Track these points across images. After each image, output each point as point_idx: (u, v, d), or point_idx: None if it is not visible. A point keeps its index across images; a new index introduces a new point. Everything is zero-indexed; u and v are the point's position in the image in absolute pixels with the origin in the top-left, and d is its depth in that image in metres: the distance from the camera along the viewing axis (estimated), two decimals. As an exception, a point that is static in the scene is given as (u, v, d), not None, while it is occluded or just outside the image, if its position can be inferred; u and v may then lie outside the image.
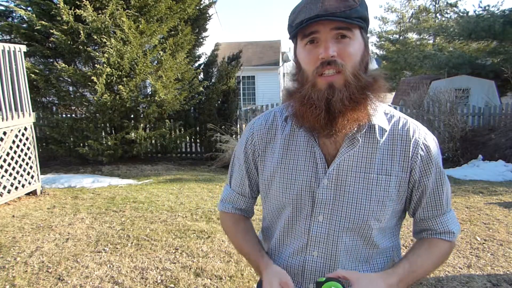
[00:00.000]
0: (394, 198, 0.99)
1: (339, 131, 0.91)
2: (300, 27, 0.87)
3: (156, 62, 7.48)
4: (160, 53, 7.39)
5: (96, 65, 6.84)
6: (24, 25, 7.21)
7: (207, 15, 9.04)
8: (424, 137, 0.99)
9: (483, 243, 3.67)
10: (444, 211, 1.03)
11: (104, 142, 7.19)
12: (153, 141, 8.02)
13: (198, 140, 8.98)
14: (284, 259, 1.08)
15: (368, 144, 0.98)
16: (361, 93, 0.90)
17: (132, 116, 7.75)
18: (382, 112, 0.99)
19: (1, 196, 4.84)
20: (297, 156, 1.02)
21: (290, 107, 0.98)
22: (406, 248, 3.54)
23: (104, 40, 6.53)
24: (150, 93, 7.68)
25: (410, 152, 0.97)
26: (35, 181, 5.45)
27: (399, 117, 1.01)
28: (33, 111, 5.45)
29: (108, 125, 7.77)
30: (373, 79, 0.94)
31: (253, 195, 1.18)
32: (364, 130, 0.96)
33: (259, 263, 1.07)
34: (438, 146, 1.02)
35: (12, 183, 5.02)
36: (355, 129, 0.94)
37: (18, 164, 5.12)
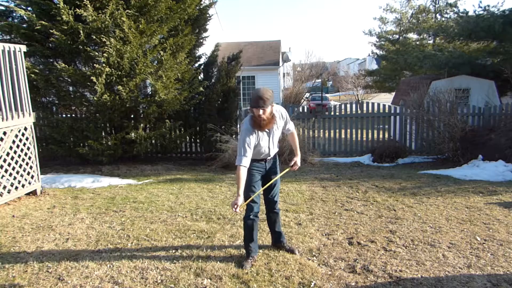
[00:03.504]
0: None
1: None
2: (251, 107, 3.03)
3: (156, 62, 7.46)
4: (160, 53, 7.38)
5: (95, 65, 6.84)
6: (24, 25, 7.20)
7: (207, 15, 9.03)
8: (281, 109, 3.27)
9: (483, 243, 3.67)
10: (288, 126, 3.38)
11: (104, 142, 7.18)
12: (153, 141, 8.01)
13: (198, 140, 8.98)
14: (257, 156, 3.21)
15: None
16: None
17: (132, 116, 7.74)
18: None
19: (1, 196, 4.84)
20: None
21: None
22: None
23: (104, 40, 6.52)
24: (150, 93, 7.67)
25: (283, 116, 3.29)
26: (35, 181, 5.45)
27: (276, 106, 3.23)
28: (33, 111, 5.45)
29: (108, 125, 7.76)
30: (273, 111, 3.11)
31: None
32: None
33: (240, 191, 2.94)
34: (286, 111, 3.34)
35: (12, 183, 5.02)
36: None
37: (18, 164, 5.12)
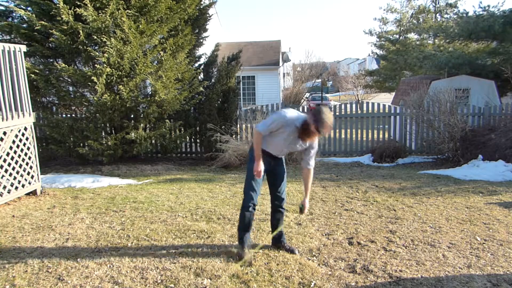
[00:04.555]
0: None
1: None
2: None
3: (156, 62, 7.46)
4: (160, 53, 7.38)
5: (96, 65, 6.84)
6: (24, 25, 7.20)
7: (207, 15, 9.03)
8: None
9: (483, 243, 3.67)
10: (312, 156, 3.28)
11: (104, 142, 7.18)
12: (153, 141, 8.01)
13: (198, 140, 8.98)
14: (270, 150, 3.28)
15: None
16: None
17: (132, 116, 7.74)
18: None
19: (1, 196, 4.84)
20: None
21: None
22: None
23: (104, 40, 6.52)
24: (150, 93, 7.67)
25: None
26: (35, 181, 5.44)
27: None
28: (33, 111, 5.45)
29: (108, 125, 7.76)
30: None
31: None
32: None
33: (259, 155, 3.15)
34: None
35: (12, 183, 5.01)
36: None
37: (18, 164, 5.12)
